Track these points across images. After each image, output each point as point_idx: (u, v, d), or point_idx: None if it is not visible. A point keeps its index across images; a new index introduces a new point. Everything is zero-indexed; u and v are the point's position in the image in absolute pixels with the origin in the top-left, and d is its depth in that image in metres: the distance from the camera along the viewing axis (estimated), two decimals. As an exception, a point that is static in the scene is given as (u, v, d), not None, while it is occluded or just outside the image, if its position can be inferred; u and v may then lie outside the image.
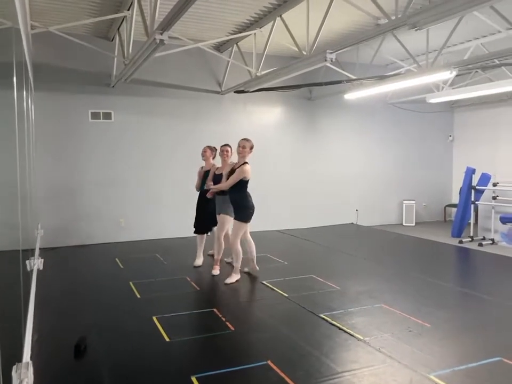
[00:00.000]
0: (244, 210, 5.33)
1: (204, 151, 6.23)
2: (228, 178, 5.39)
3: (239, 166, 5.26)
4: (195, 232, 6.27)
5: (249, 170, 5.24)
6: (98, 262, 6.71)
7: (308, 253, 7.38)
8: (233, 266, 5.55)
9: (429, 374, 3.09)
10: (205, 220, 6.13)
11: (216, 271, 5.80)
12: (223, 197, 5.55)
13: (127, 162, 8.11)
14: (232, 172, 5.35)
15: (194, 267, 6.14)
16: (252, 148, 5.35)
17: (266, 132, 9.13)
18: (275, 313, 4.42)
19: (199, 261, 6.25)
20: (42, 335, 3.56)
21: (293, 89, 8.61)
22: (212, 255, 6.27)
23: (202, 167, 6.32)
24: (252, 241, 5.75)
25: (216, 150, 6.24)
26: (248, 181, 5.29)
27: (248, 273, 5.83)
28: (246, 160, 5.29)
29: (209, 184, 5.72)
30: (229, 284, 5.32)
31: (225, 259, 6.37)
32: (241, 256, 5.47)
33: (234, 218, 5.42)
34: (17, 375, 2.27)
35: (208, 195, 5.73)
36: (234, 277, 5.43)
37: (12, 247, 2.16)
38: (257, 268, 5.84)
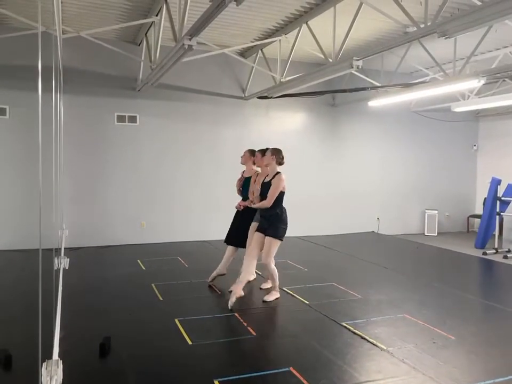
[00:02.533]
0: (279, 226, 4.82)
1: (245, 155, 5.50)
2: (261, 192, 4.90)
3: (274, 177, 4.81)
4: (225, 242, 5.50)
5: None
6: (120, 263, 6.80)
7: (328, 260, 7.33)
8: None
9: (455, 387, 3.04)
10: (238, 232, 5.35)
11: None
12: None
13: (150, 165, 8.22)
14: (266, 185, 4.86)
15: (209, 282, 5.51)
16: (266, 155, 4.87)
17: (287, 137, 9.14)
18: (296, 320, 4.40)
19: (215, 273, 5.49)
20: (68, 333, 3.61)
21: (317, 95, 8.61)
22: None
23: (243, 172, 5.60)
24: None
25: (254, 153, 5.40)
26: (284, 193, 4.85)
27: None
28: (278, 170, 4.85)
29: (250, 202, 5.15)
30: (268, 301, 4.86)
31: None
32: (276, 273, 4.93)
33: (269, 235, 4.79)
34: (47, 372, 2.32)
35: (237, 206, 5.35)
36: (274, 295, 4.96)
37: (39, 246, 2.21)
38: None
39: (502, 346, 3.80)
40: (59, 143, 5.57)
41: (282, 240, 4.84)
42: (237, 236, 5.36)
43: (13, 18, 6.28)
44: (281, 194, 4.80)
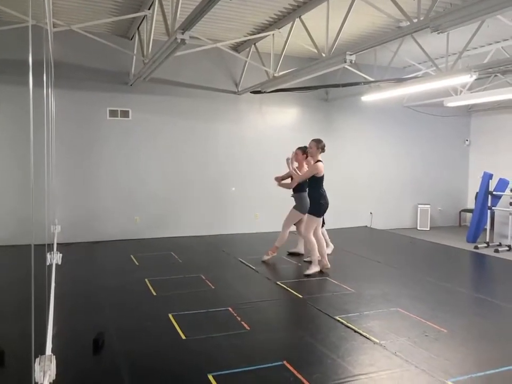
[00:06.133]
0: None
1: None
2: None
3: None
4: None
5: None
6: (114, 258, 6.78)
7: (321, 254, 7.35)
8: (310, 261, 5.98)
9: (447, 379, 3.06)
10: None
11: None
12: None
13: (143, 160, 8.18)
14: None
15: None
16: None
17: (281, 132, 9.13)
18: (290, 314, 4.43)
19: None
20: (61, 329, 3.60)
21: (310, 90, 8.60)
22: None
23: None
24: (323, 238, 6.05)
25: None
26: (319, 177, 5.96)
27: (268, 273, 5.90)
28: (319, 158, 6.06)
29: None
30: (308, 274, 5.72)
31: (304, 259, 6.57)
32: (316, 247, 5.83)
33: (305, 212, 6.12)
34: (40, 367, 2.31)
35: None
36: (314, 268, 5.78)
37: (31, 242, 2.19)
38: (328, 264, 6.00)
39: (493, 339, 3.84)
40: (51, 138, 5.52)
41: (315, 216, 5.86)
42: None
43: (2, 12, 6.20)
44: (315, 178, 5.92)
